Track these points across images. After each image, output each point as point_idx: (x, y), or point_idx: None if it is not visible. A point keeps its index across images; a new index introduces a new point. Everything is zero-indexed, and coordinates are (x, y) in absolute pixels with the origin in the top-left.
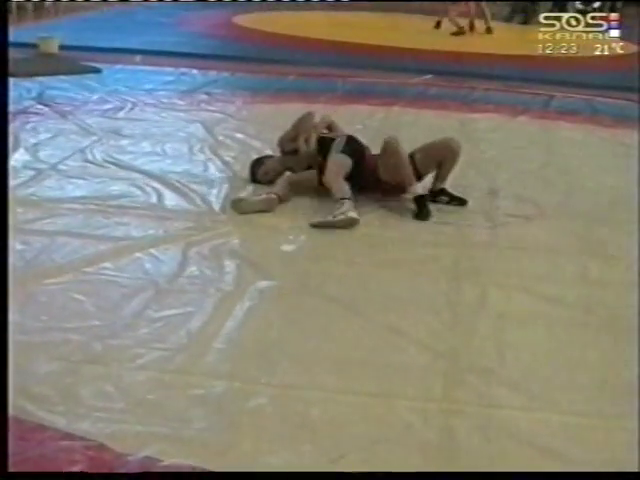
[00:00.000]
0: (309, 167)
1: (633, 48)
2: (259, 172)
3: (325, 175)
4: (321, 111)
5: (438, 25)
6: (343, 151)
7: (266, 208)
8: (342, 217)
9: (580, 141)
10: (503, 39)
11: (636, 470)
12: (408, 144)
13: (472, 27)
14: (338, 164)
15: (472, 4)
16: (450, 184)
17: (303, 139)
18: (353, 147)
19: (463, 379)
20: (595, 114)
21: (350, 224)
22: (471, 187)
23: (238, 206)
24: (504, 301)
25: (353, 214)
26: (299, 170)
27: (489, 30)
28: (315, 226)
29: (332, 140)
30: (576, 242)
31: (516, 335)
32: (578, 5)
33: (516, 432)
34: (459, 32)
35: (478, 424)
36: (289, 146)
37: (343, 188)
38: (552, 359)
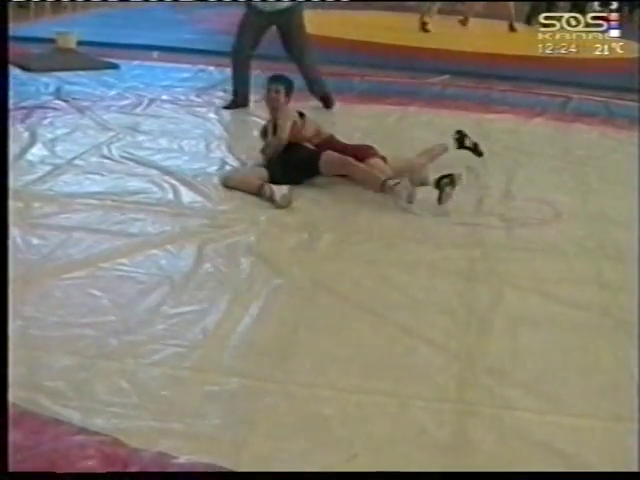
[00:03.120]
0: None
1: None
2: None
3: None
4: (341, 110)
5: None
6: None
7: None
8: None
9: (596, 143)
10: (521, 40)
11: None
12: (424, 144)
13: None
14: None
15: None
16: (465, 186)
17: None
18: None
19: (477, 380)
20: (611, 116)
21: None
22: (486, 188)
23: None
24: (519, 303)
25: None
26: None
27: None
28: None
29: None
30: (592, 245)
31: (531, 337)
32: (597, 7)
33: (530, 434)
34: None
35: (492, 425)
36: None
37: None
38: (566, 361)
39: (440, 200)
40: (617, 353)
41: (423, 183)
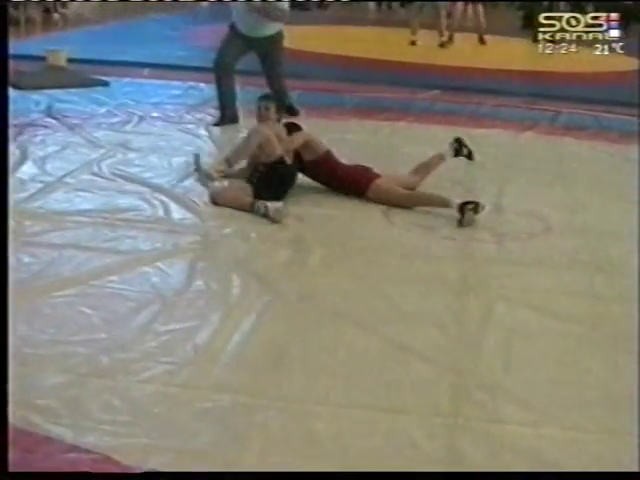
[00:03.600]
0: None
1: (636, 63)
2: None
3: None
4: (331, 125)
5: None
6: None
7: None
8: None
9: (587, 157)
10: (510, 54)
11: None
12: (415, 158)
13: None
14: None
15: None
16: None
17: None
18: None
19: (469, 394)
20: (602, 130)
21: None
22: None
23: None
24: (510, 316)
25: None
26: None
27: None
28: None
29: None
30: (583, 258)
31: (523, 350)
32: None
33: (522, 448)
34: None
35: (484, 439)
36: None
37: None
38: (559, 374)
39: (461, 223)
40: (609, 365)
41: (444, 205)
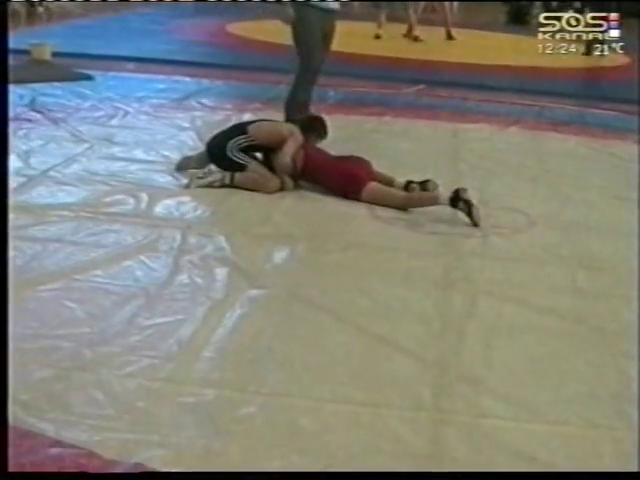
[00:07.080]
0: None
1: (624, 59)
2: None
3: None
4: None
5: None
6: None
7: None
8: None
9: (571, 152)
10: (496, 49)
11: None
12: (399, 153)
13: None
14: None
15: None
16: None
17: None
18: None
19: (452, 389)
20: (586, 125)
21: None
22: None
23: None
24: (494, 311)
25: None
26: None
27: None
28: None
29: None
30: (566, 253)
31: (505, 345)
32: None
33: (505, 442)
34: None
35: (467, 434)
36: None
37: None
38: (541, 369)
39: (475, 222)
40: (591, 360)
41: (435, 203)
